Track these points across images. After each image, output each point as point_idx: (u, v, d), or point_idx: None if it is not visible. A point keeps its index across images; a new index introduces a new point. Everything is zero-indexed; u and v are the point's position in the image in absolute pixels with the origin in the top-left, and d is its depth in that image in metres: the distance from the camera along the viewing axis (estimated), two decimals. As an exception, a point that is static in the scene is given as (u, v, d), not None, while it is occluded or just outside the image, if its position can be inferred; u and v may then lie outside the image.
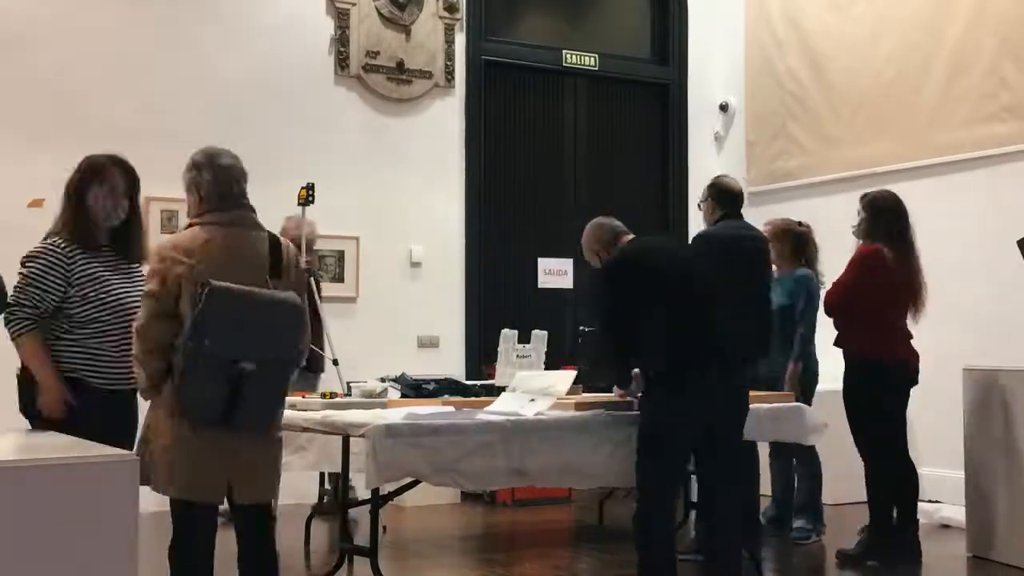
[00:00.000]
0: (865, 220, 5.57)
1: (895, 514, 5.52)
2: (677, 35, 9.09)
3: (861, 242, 5.57)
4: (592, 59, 8.74)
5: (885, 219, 5.52)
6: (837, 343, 5.62)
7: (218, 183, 3.69)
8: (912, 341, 5.61)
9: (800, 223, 6.34)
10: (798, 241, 6.21)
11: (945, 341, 7.07)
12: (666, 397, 4.34)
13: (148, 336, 3.53)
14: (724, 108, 9.16)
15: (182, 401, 3.49)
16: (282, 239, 3.77)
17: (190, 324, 3.44)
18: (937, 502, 6.79)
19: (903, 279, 5.47)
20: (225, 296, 3.44)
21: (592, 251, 4.92)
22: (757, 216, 8.48)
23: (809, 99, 8.38)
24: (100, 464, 2.50)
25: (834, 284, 5.62)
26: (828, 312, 5.63)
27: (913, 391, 7.37)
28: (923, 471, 7.31)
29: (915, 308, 5.55)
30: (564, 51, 8.65)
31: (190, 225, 3.71)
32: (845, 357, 5.58)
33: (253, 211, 3.73)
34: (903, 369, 5.51)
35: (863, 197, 5.67)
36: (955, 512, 6.19)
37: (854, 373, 5.51)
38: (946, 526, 6.32)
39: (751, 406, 5.03)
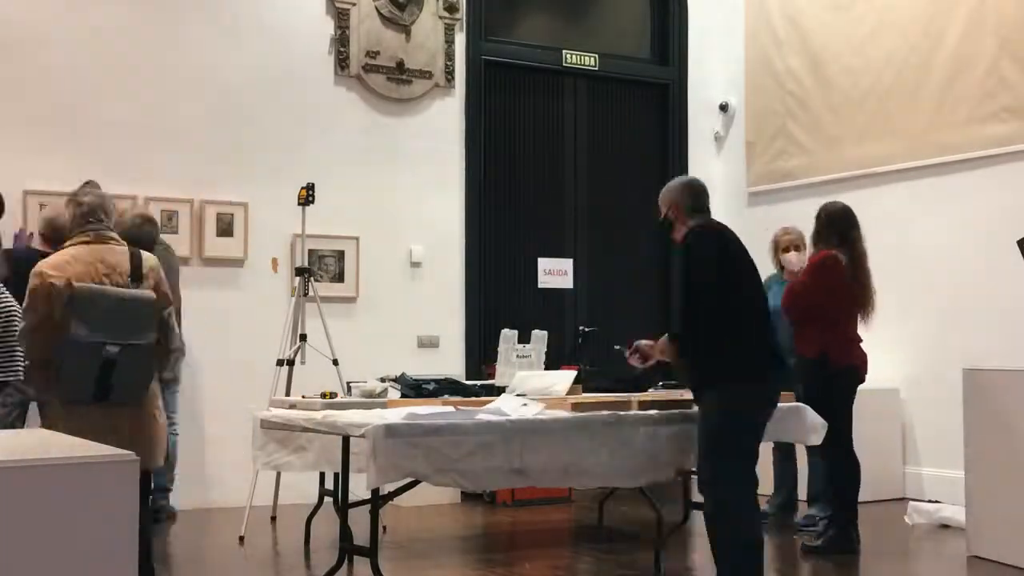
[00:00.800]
0: (816, 229, 5.82)
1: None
2: (677, 35, 9.09)
3: (814, 249, 5.84)
4: (592, 59, 8.74)
5: (836, 226, 5.75)
6: (798, 346, 5.81)
7: (82, 214, 4.47)
8: (862, 344, 5.83)
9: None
10: None
11: (945, 341, 7.09)
12: (746, 393, 4.35)
13: (33, 341, 4.29)
14: (724, 108, 9.16)
15: (61, 384, 4.22)
16: (143, 252, 4.54)
17: (61, 319, 4.19)
18: (937, 502, 6.79)
19: (855, 285, 5.70)
20: (86, 293, 4.22)
21: (669, 205, 4.63)
22: (757, 216, 8.53)
23: (809, 99, 8.38)
24: (100, 464, 2.50)
25: (791, 287, 5.85)
26: (786, 315, 5.84)
27: (913, 391, 7.43)
28: (923, 471, 7.35)
29: (864, 313, 5.79)
30: (564, 51, 8.65)
31: (62, 248, 4.47)
32: (796, 360, 5.74)
33: (113, 232, 4.53)
34: (851, 373, 5.76)
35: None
36: (955, 512, 6.19)
37: (804, 375, 5.68)
38: (946, 526, 6.31)
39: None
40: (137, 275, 4.42)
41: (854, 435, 5.77)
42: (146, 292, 4.39)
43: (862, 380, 5.84)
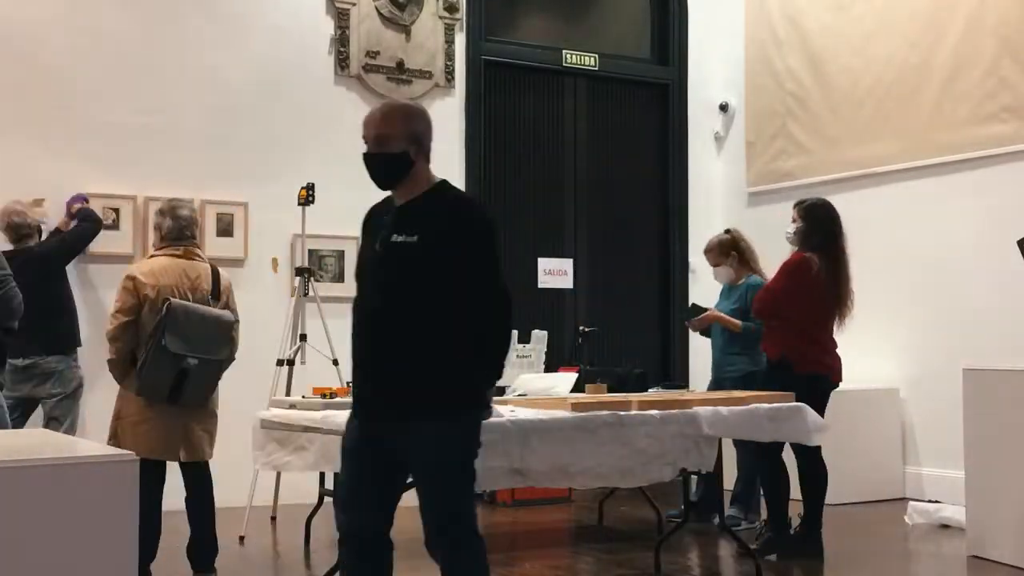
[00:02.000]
0: (802, 229, 5.66)
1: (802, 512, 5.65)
2: (677, 35, 9.09)
3: (794, 249, 5.69)
4: (592, 59, 8.74)
5: (821, 227, 5.62)
6: (763, 347, 5.80)
7: (180, 228, 4.97)
8: (837, 349, 5.69)
9: (728, 231, 6.59)
10: (741, 250, 6.44)
11: (945, 341, 7.08)
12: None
13: (121, 340, 4.79)
14: (724, 108, 9.16)
15: (141, 383, 4.75)
16: (220, 271, 5.05)
17: (153, 328, 4.71)
18: (937, 502, 6.79)
19: (831, 288, 5.56)
20: (180, 310, 4.75)
21: (410, 138, 3.87)
22: (757, 216, 8.53)
23: (809, 99, 8.38)
24: (100, 464, 2.50)
25: (763, 289, 5.81)
26: (756, 315, 5.84)
27: (914, 391, 7.42)
28: (923, 471, 7.35)
29: (840, 317, 5.64)
30: (564, 51, 8.65)
31: (152, 256, 5.01)
32: (767, 360, 5.75)
33: (199, 248, 5.08)
34: (814, 380, 5.55)
35: (798, 204, 5.77)
36: (955, 512, 6.19)
37: (769, 376, 5.64)
38: (946, 526, 6.31)
39: (752, 406, 5.04)
40: (216, 292, 4.95)
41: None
42: (227, 313, 4.94)
43: (830, 387, 5.66)
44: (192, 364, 4.75)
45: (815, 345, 5.59)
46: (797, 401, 5.31)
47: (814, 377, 5.55)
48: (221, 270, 5.07)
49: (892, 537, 6.26)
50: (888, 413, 7.42)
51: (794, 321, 5.55)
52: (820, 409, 5.46)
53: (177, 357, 4.71)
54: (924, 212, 7.44)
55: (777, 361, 5.60)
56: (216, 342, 4.86)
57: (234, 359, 5.07)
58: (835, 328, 5.67)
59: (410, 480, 4.35)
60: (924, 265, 7.35)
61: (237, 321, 5.03)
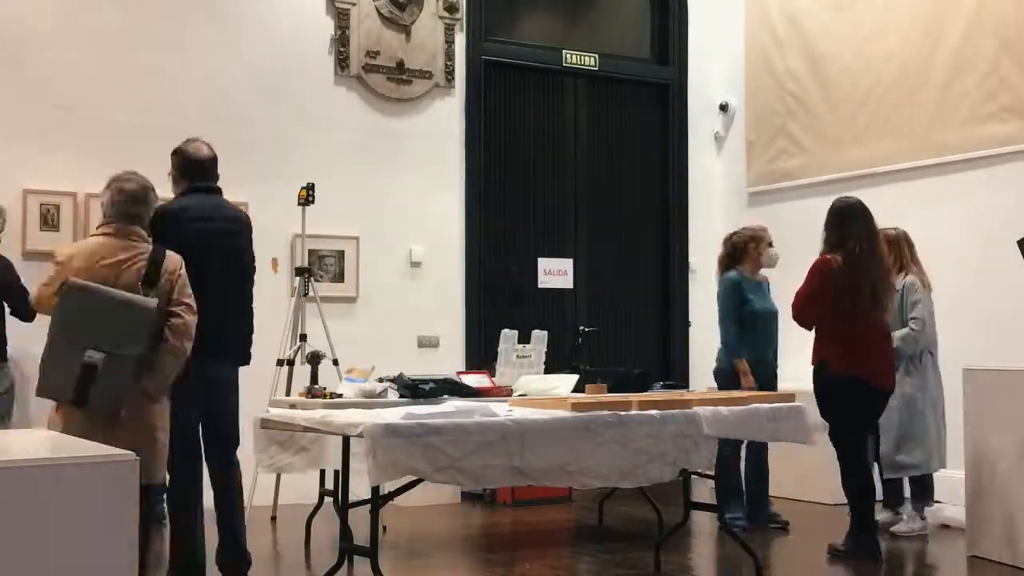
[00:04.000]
0: (824, 229, 5.59)
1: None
2: (677, 35, 9.09)
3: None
4: (592, 59, 8.74)
5: (833, 226, 5.55)
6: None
7: (116, 203, 4.27)
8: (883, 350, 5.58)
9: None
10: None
11: (945, 341, 7.08)
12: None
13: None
14: (724, 108, 9.16)
15: (40, 382, 3.97)
16: (170, 253, 4.22)
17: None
18: (937, 502, 6.79)
19: (857, 287, 5.42)
20: (77, 292, 3.91)
21: None
22: (757, 216, 8.52)
23: (809, 99, 8.38)
24: (100, 464, 2.50)
25: (795, 294, 5.64)
26: (795, 320, 5.66)
27: (914, 391, 7.38)
28: (923, 471, 7.33)
29: (870, 316, 5.47)
30: (564, 51, 8.65)
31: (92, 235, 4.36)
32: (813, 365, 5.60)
33: (140, 227, 4.27)
34: (853, 384, 5.45)
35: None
36: (955, 512, 6.19)
37: (814, 383, 5.53)
38: (946, 526, 6.31)
39: (752, 406, 5.05)
40: (151, 279, 4.10)
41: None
42: (144, 299, 4.01)
43: (877, 392, 5.54)
44: (96, 358, 3.85)
45: (854, 348, 5.45)
46: (835, 405, 5.26)
47: (854, 380, 5.43)
48: (173, 255, 4.23)
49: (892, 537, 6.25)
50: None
51: (825, 325, 5.49)
52: (863, 415, 5.40)
53: (74, 349, 3.86)
54: (924, 212, 7.44)
55: (816, 366, 5.51)
56: (127, 333, 3.93)
57: (175, 356, 4.17)
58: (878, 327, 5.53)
59: (411, 480, 4.37)
60: (923, 265, 7.34)
61: (175, 313, 4.16)
